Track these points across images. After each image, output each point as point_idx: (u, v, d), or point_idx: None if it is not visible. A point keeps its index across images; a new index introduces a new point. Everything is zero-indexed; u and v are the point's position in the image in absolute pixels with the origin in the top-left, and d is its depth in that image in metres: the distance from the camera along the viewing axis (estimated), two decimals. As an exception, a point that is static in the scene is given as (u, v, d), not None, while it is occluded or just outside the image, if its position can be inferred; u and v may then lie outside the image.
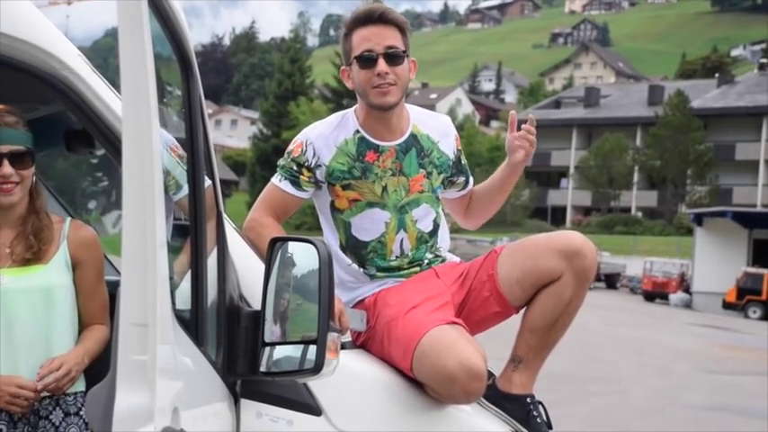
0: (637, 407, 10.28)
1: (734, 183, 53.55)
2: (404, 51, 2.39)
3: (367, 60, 2.36)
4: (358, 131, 2.42)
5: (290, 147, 2.45)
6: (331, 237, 2.46)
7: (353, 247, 2.42)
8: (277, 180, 2.44)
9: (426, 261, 2.45)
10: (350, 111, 2.47)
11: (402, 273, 2.43)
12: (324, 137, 2.41)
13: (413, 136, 2.45)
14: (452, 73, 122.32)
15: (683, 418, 9.86)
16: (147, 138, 1.27)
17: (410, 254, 2.42)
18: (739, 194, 52.67)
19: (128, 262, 1.27)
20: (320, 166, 2.40)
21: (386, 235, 2.41)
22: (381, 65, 2.35)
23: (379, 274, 2.42)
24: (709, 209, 38.29)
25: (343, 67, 2.47)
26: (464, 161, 2.58)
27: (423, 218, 2.44)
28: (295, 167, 2.41)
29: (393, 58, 2.37)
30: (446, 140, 2.50)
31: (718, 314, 30.52)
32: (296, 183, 2.42)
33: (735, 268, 31.64)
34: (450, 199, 2.65)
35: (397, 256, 2.42)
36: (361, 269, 2.42)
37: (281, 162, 2.46)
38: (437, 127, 2.50)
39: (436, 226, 2.48)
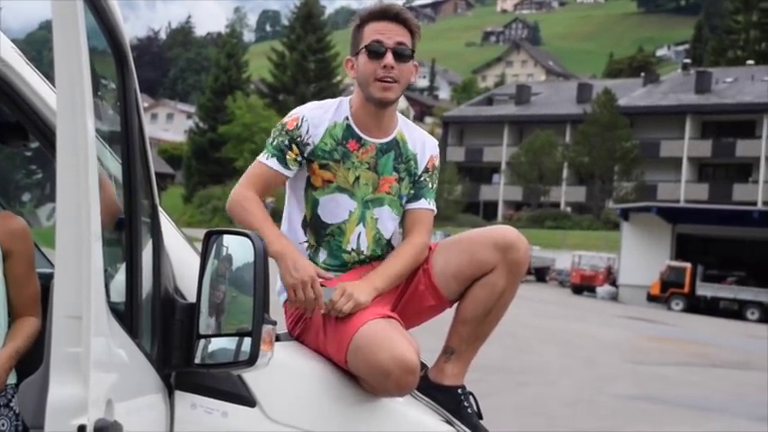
0: (565, 397, 10.50)
1: (658, 179, 55.02)
2: (412, 51, 2.45)
3: (375, 52, 2.41)
4: (347, 119, 2.46)
5: (285, 120, 2.47)
6: (296, 211, 2.48)
7: (315, 226, 2.45)
8: (264, 158, 2.45)
9: (370, 264, 2.46)
10: (346, 98, 2.51)
11: (344, 269, 2.45)
12: (318, 116, 2.45)
13: (396, 140, 2.49)
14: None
15: (610, 407, 10.12)
16: (81, 131, 1.27)
17: (365, 251, 2.45)
18: (664, 190, 54.16)
19: (62, 254, 1.27)
20: (308, 144, 2.43)
21: (347, 223, 2.43)
22: (388, 58, 2.40)
23: (323, 264, 2.44)
24: (634, 204, 39.26)
25: (347, 57, 2.51)
26: (425, 180, 2.53)
27: (383, 220, 2.47)
28: (286, 141, 2.43)
29: (401, 55, 2.42)
30: (422, 156, 2.53)
31: (642, 306, 31.36)
32: (282, 160, 2.43)
33: (659, 262, 32.55)
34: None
35: (352, 249, 2.44)
36: (309, 251, 2.45)
37: (270, 138, 2.47)
38: (418, 141, 2.54)
39: (392, 237, 2.50)
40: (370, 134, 2.46)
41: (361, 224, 2.44)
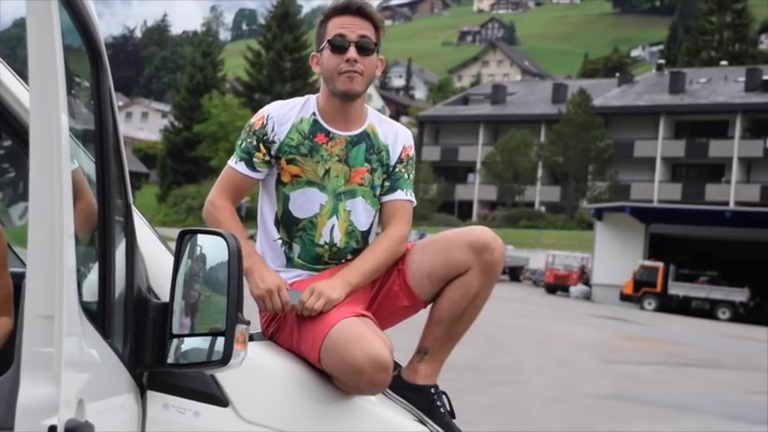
0: (539, 396, 10.57)
1: (632, 179, 55.48)
2: (375, 44, 2.46)
3: (339, 46, 2.43)
4: (314, 114, 2.47)
5: (252, 120, 2.50)
6: (268, 209, 2.49)
7: (287, 222, 2.45)
8: (233, 162, 2.48)
9: (346, 260, 2.47)
10: (312, 96, 2.53)
11: (318, 267, 2.45)
12: (284, 114, 2.47)
13: (366, 132, 2.50)
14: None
15: (583, 406, 10.19)
16: (54, 129, 1.26)
17: (338, 244, 2.45)
18: (637, 190, 54.61)
19: (34, 253, 1.26)
20: (275, 141, 2.44)
21: (318, 216, 2.44)
22: (352, 52, 2.42)
23: (298, 260, 2.45)
24: (608, 204, 39.57)
25: (313, 53, 2.53)
26: (400, 171, 2.53)
27: (356, 211, 2.47)
28: (254, 142, 2.45)
29: (364, 48, 2.43)
30: (395, 146, 2.54)
31: (615, 306, 31.64)
32: (250, 163, 2.45)
33: (632, 261, 32.84)
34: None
35: (325, 242, 2.44)
36: (284, 247, 2.45)
37: (239, 140, 2.49)
38: (390, 132, 2.55)
39: (369, 230, 2.50)
40: (339, 128, 2.47)
41: (334, 216, 2.45)
